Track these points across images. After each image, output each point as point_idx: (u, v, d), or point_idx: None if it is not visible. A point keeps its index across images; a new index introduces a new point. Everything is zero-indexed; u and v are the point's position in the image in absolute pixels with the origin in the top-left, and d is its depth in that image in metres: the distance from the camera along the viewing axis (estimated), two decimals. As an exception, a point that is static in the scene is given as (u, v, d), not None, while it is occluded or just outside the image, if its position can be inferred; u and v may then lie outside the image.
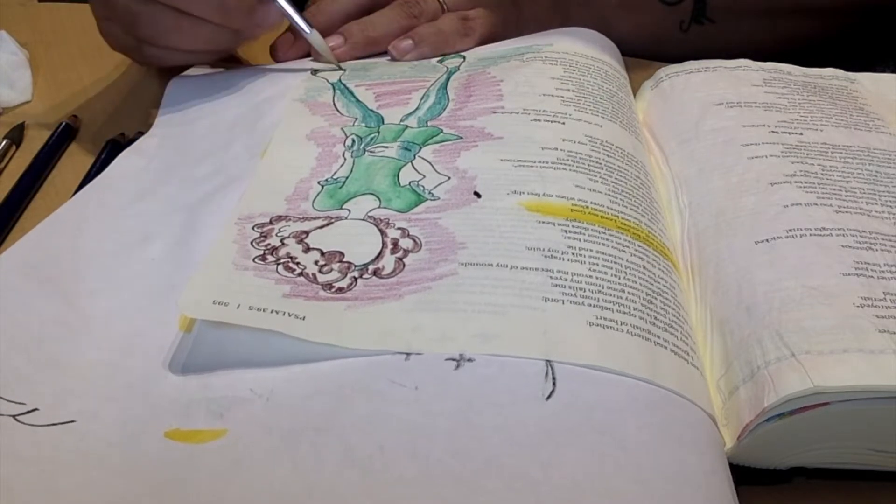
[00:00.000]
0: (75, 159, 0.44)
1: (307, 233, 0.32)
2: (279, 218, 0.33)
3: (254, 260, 0.31)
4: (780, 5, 0.51)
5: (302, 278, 0.30)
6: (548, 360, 0.27)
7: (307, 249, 0.31)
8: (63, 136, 0.46)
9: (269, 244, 0.32)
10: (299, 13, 0.46)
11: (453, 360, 0.27)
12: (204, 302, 0.28)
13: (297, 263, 0.31)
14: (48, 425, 0.26)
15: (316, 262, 0.31)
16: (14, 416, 0.26)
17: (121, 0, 0.41)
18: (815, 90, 0.43)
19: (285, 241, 0.32)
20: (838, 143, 0.38)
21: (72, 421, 0.26)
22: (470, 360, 0.27)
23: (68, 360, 0.29)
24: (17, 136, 0.46)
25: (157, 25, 0.41)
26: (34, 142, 0.45)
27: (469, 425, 0.25)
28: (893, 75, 0.45)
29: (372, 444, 0.25)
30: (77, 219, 0.35)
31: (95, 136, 0.45)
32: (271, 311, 0.28)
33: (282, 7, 0.45)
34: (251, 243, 0.32)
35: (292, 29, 0.51)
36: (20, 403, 0.27)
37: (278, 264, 0.31)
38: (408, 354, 0.27)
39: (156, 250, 0.34)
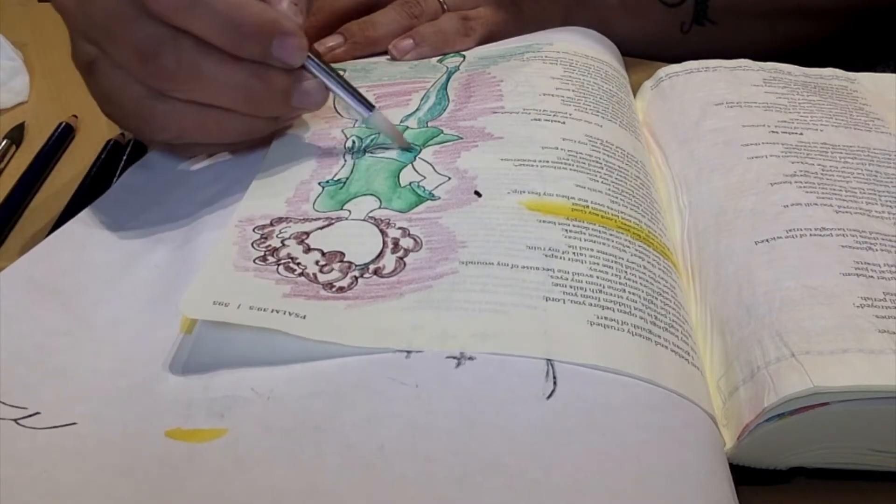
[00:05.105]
0: (75, 159, 0.44)
1: (308, 234, 0.32)
2: (280, 220, 0.33)
3: (254, 261, 0.31)
4: (781, 7, 0.51)
5: (303, 278, 0.30)
6: (548, 359, 0.27)
7: (308, 250, 0.31)
8: (63, 136, 0.46)
9: (269, 245, 0.32)
10: (354, 90, 0.37)
11: (454, 358, 0.27)
12: (204, 303, 0.28)
13: (298, 264, 0.31)
14: (49, 428, 0.26)
15: (316, 263, 0.31)
16: (15, 420, 0.26)
17: (128, 101, 0.35)
18: (815, 90, 0.43)
19: (286, 243, 0.32)
20: (838, 143, 0.38)
21: (73, 423, 0.26)
22: (471, 358, 0.27)
23: (71, 367, 0.29)
24: (17, 136, 0.46)
25: (177, 124, 0.35)
26: (34, 142, 0.45)
27: (469, 424, 0.25)
28: (893, 75, 0.45)
29: (372, 443, 0.25)
30: (83, 234, 0.35)
31: (95, 136, 0.45)
32: (272, 311, 0.28)
33: (332, 86, 0.37)
34: (251, 245, 0.32)
35: None
36: (22, 408, 0.27)
37: (279, 265, 0.31)
38: (408, 352, 0.27)
39: (159, 257, 0.34)
